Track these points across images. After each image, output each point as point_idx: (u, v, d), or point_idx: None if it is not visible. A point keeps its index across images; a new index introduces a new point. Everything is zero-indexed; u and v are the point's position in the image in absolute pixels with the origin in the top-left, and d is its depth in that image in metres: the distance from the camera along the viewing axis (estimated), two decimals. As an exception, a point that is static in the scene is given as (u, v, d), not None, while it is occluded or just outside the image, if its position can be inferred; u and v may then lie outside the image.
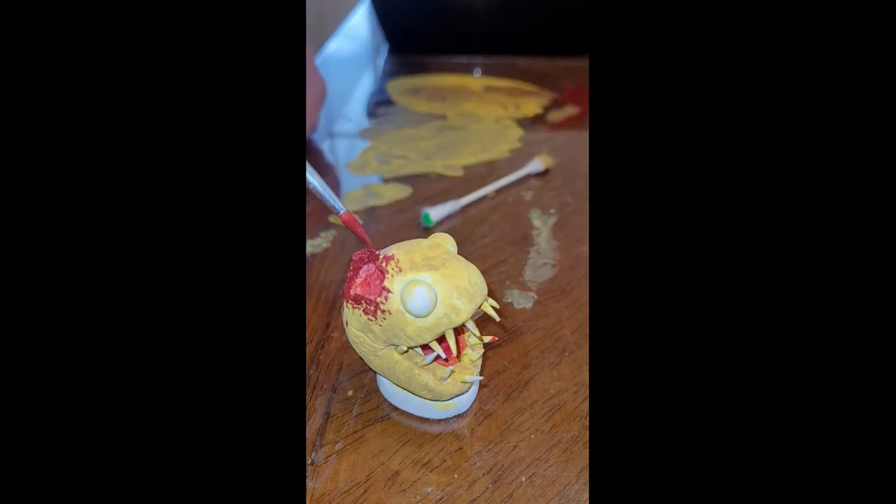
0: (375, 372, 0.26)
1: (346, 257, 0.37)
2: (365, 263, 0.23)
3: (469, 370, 0.25)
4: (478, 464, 0.24)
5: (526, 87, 0.69)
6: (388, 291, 0.22)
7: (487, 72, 0.74)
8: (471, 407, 0.26)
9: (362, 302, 0.23)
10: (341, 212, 0.24)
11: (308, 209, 0.43)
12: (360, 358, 0.28)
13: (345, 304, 0.24)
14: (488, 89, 0.68)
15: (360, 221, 0.24)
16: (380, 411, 0.26)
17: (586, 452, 0.24)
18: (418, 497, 0.22)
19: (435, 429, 0.25)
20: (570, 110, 0.63)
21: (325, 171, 0.50)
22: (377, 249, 0.24)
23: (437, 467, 0.24)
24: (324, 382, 0.28)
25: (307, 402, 0.27)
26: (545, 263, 0.37)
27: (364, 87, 0.70)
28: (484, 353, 0.27)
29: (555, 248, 0.39)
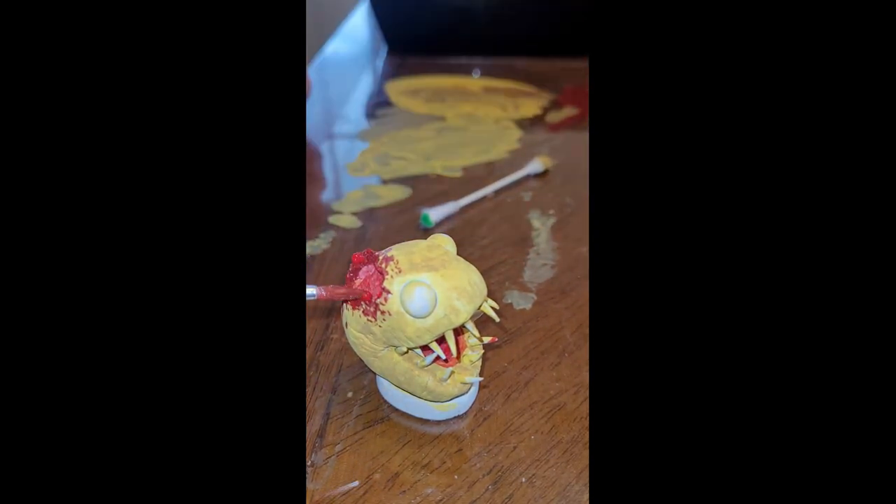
0: (375, 373, 0.26)
1: (345, 258, 0.37)
2: (364, 264, 0.23)
3: (469, 371, 0.25)
4: (478, 465, 0.24)
5: (525, 88, 0.69)
6: (388, 292, 0.22)
7: (486, 73, 0.74)
8: (471, 408, 0.26)
9: (362, 303, 0.23)
10: (315, 295, 0.22)
11: (307, 210, 0.43)
12: (360, 359, 0.28)
13: (344, 305, 0.24)
14: (487, 90, 0.68)
15: (328, 293, 0.23)
16: (379, 412, 0.26)
17: (586, 453, 0.24)
18: (418, 498, 0.22)
19: (435, 430, 0.25)
20: (569, 111, 0.63)
21: (324, 173, 0.50)
22: (376, 250, 0.24)
23: (437, 468, 0.24)
24: (323, 384, 0.28)
25: (307, 403, 0.26)
26: (545, 264, 0.37)
27: (363, 88, 0.70)
28: (484, 354, 0.27)
29: (554, 248, 0.39)
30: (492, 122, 0.59)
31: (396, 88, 0.69)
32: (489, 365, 0.29)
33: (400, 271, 0.22)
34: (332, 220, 0.42)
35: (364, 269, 0.23)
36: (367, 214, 0.43)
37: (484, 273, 0.36)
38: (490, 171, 0.50)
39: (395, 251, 0.23)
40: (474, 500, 0.22)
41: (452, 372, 0.24)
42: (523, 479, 0.23)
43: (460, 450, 0.24)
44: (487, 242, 0.39)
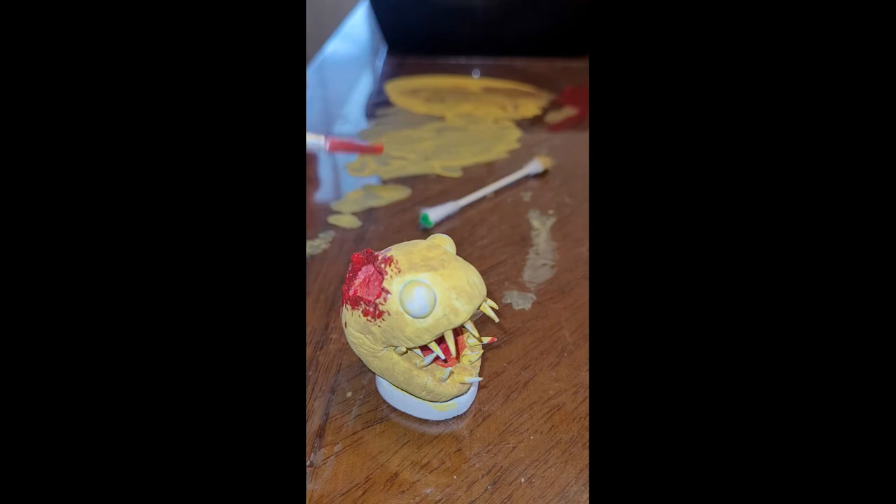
0: (374, 373, 0.26)
1: (344, 258, 0.37)
2: (364, 264, 0.23)
3: (468, 371, 0.25)
4: (477, 465, 0.24)
5: (524, 88, 0.69)
6: (387, 292, 0.22)
7: (486, 73, 0.74)
8: (470, 408, 0.26)
9: (361, 303, 0.23)
10: (325, 144, 0.22)
11: (307, 210, 0.43)
12: (359, 359, 0.28)
13: (344, 305, 0.24)
14: (487, 90, 0.68)
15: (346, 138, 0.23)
16: (379, 412, 0.26)
17: (586, 453, 0.24)
18: (417, 498, 0.22)
19: (434, 430, 0.25)
20: (568, 111, 0.63)
21: (324, 173, 0.50)
22: (375, 251, 0.24)
23: (436, 468, 0.24)
24: (323, 384, 0.28)
25: (306, 403, 0.26)
26: (544, 264, 0.37)
27: (363, 88, 0.70)
28: (483, 354, 0.27)
29: (554, 248, 0.39)
30: (491, 123, 0.60)
31: (396, 88, 0.69)
32: (488, 365, 0.29)
33: (399, 271, 0.22)
34: (331, 220, 0.42)
35: (363, 269, 0.23)
36: (367, 214, 0.43)
37: (483, 273, 0.36)
38: (489, 171, 0.50)
39: (395, 251, 0.23)
40: (473, 500, 0.22)
41: (452, 372, 0.24)
42: (522, 479, 0.23)
43: (459, 450, 0.24)
44: (487, 242, 0.39)
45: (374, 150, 0.23)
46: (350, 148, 0.23)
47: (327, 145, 0.22)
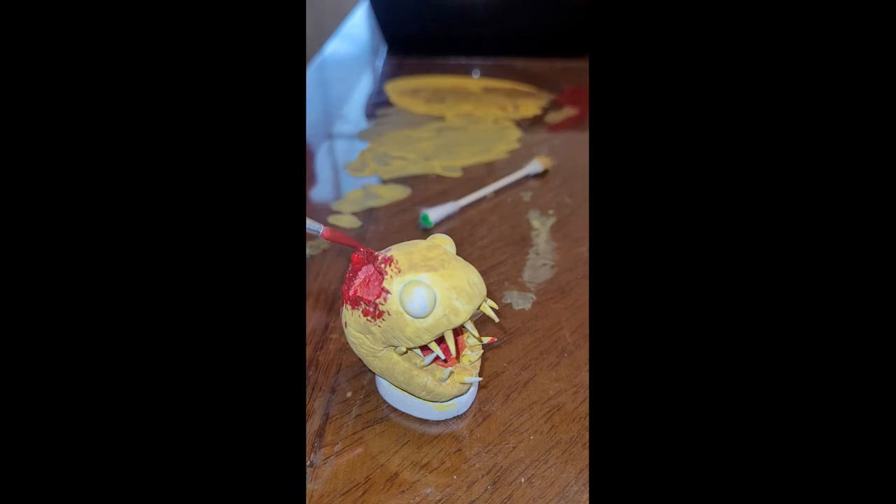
0: (374, 373, 0.26)
1: (344, 259, 0.37)
2: (364, 265, 0.23)
3: (468, 371, 0.25)
4: (477, 465, 0.24)
5: (524, 88, 0.69)
6: (387, 292, 0.22)
7: (486, 73, 0.74)
8: (470, 408, 0.26)
9: (361, 303, 0.23)
10: (321, 231, 0.23)
11: (307, 210, 0.43)
12: (359, 359, 0.28)
13: (344, 305, 0.24)
14: (487, 90, 0.68)
15: (341, 230, 0.24)
16: (379, 412, 0.26)
17: (586, 453, 0.24)
18: (417, 498, 0.22)
19: (434, 430, 0.25)
20: (568, 111, 0.63)
21: (324, 173, 0.50)
22: (375, 251, 0.24)
23: (436, 468, 0.24)
24: (323, 384, 0.28)
25: (306, 403, 0.26)
26: (544, 264, 0.37)
27: (363, 88, 0.70)
28: (483, 354, 0.27)
29: (554, 248, 0.39)
30: (491, 123, 0.59)
31: (396, 88, 0.69)
32: (488, 365, 0.29)
33: (399, 271, 0.22)
34: (332, 220, 0.42)
35: (363, 269, 0.23)
36: (367, 214, 0.43)
37: (483, 273, 0.36)
38: (489, 171, 0.50)
39: (395, 251, 0.23)
40: (473, 500, 0.22)
41: (452, 372, 0.24)
42: (522, 479, 0.23)
43: (459, 450, 0.24)
44: (487, 242, 0.39)
45: (357, 248, 0.24)
46: (341, 241, 0.24)
47: (324, 233, 0.23)
